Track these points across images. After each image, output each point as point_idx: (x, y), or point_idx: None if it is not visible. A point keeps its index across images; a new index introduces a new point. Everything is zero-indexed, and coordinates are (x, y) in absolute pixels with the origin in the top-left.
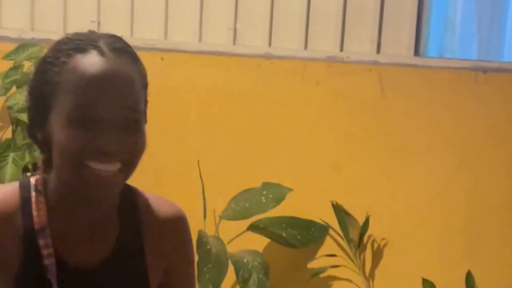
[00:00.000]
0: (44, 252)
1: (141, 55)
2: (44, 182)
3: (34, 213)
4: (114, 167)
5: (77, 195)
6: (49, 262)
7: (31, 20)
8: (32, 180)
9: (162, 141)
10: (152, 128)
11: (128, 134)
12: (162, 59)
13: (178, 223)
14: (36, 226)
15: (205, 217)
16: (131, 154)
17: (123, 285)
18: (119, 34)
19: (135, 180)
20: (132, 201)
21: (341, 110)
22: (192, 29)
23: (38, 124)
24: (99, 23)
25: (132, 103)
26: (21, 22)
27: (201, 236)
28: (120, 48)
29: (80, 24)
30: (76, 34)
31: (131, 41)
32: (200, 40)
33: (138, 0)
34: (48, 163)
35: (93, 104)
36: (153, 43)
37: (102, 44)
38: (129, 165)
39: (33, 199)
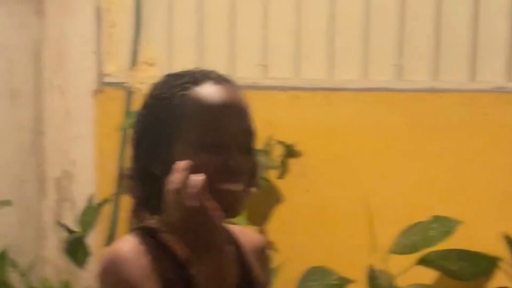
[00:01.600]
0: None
1: (306, 95)
2: (161, 221)
3: (172, 247)
4: (241, 187)
5: None
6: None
7: (201, 66)
8: (152, 224)
9: (327, 179)
10: (317, 167)
11: (249, 156)
12: (327, 98)
13: (266, 250)
14: (183, 257)
15: (373, 251)
16: (253, 175)
17: None
18: (284, 75)
19: (301, 219)
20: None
21: (509, 140)
22: (357, 67)
23: (158, 158)
24: (265, 66)
25: (251, 126)
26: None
27: (371, 271)
28: (228, 79)
29: (247, 67)
30: (182, 71)
31: (296, 82)
32: (365, 78)
33: (304, 42)
34: (155, 200)
35: (221, 129)
36: (318, 82)
37: (213, 76)
38: (250, 186)
39: (164, 237)
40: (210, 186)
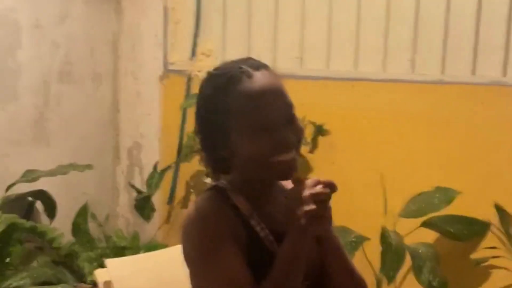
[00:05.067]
0: (258, 228)
1: (335, 84)
2: (229, 182)
3: (238, 205)
4: (293, 154)
5: (267, 183)
6: (263, 234)
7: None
8: (222, 184)
9: (349, 154)
10: (341, 144)
11: (294, 126)
12: (352, 86)
13: None
14: (246, 213)
15: (385, 215)
16: (299, 141)
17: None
18: (317, 67)
19: None
20: None
21: (502, 126)
22: (377, 61)
23: (220, 144)
24: (301, 59)
25: (290, 101)
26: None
27: (383, 231)
28: (262, 63)
29: (286, 59)
30: (221, 67)
31: (326, 73)
32: (384, 70)
33: (333, 39)
34: (224, 169)
35: (267, 114)
36: (345, 73)
37: (247, 68)
38: (299, 150)
39: (232, 196)
40: (265, 161)
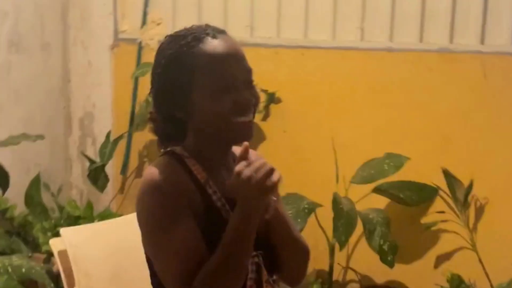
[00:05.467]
0: (214, 197)
1: (285, 51)
2: (184, 149)
3: (194, 172)
4: (251, 117)
5: (223, 147)
6: (220, 203)
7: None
8: (178, 151)
9: (301, 122)
10: (293, 112)
11: (253, 91)
12: (302, 54)
13: None
14: (202, 180)
15: (337, 181)
16: (256, 104)
17: None
18: (267, 35)
19: (279, 155)
20: None
21: (450, 92)
22: (327, 29)
23: (180, 105)
24: (251, 27)
25: (249, 66)
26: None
27: (335, 197)
28: (221, 29)
29: (237, 27)
30: (182, 31)
31: (277, 41)
32: (333, 38)
33: (283, 7)
34: (178, 135)
35: (231, 74)
36: (295, 41)
37: (210, 30)
38: (254, 114)
39: (188, 163)
40: (226, 121)
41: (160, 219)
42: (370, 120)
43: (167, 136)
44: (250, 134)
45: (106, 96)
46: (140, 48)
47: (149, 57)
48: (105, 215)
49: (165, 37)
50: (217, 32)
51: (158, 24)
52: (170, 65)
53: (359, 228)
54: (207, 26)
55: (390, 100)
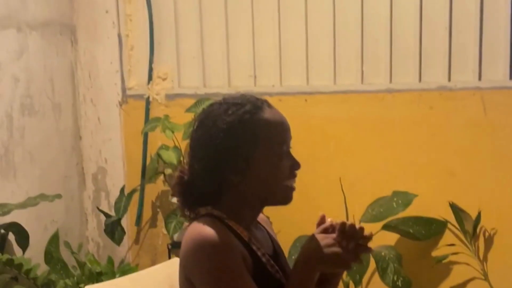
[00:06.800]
0: (259, 253)
1: (289, 98)
2: (219, 210)
3: (238, 231)
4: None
5: (260, 208)
6: (265, 259)
7: (203, 78)
8: (216, 213)
9: (308, 165)
10: (300, 155)
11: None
12: (305, 100)
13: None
14: (246, 238)
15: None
16: None
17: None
18: (270, 83)
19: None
20: None
21: (452, 128)
22: (328, 74)
23: (238, 168)
24: (255, 77)
25: None
26: (195, 81)
27: None
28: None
29: (241, 77)
30: (230, 100)
31: (280, 89)
32: (335, 83)
33: (284, 56)
34: (214, 197)
35: (286, 140)
36: (298, 88)
37: (262, 100)
38: None
39: (229, 223)
40: (280, 185)
41: (227, 277)
42: (376, 160)
43: (202, 198)
44: (291, 197)
45: (117, 151)
46: (148, 103)
47: (157, 111)
48: (125, 270)
49: (215, 103)
50: (268, 102)
51: (164, 79)
52: (233, 130)
53: (372, 266)
54: (257, 97)
55: (394, 139)
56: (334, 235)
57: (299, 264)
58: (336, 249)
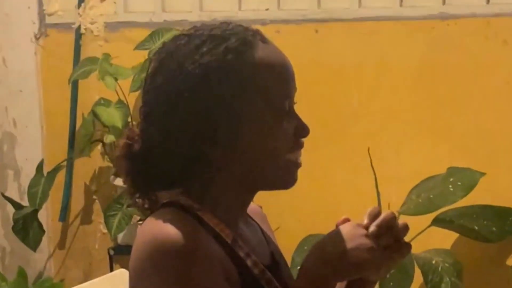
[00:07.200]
0: (249, 262)
1: (291, 29)
2: (188, 197)
3: (217, 229)
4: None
5: (251, 194)
6: (257, 270)
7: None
8: (184, 201)
9: (320, 130)
10: (308, 115)
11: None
12: (316, 31)
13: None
14: (228, 240)
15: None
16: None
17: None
18: (265, 5)
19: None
20: None
21: None
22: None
23: (216, 136)
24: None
25: None
26: (150, 3)
27: None
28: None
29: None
30: (209, 30)
31: (279, 14)
32: (359, 5)
33: None
34: (182, 178)
35: (291, 94)
36: (305, 13)
37: (252, 31)
38: None
39: (204, 217)
40: (280, 158)
41: None
42: (421, 122)
43: (162, 178)
44: (295, 178)
45: (32, 108)
46: (78, 37)
47: (92, 49)
48: (44, 286)
49: (181, 35)
50: (264, 36)
51: (103, 0)
52: (209, 78)
53: (418, 279)
54: (250, 28)
55: (448, 89)
56: (363, 230)
57: (307, 272)
58: (369, 244)
